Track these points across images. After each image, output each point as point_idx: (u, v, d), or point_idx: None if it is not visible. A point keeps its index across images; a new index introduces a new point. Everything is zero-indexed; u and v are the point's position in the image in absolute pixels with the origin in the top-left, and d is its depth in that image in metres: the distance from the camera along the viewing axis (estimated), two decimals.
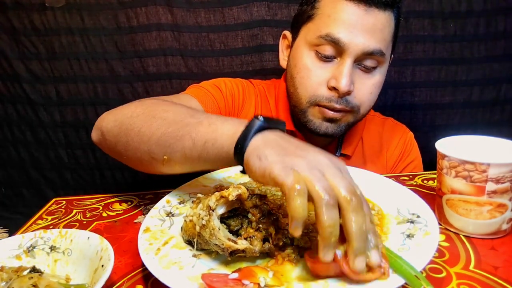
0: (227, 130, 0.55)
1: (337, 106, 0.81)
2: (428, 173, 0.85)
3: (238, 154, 0.51)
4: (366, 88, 0.82)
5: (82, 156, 1.27)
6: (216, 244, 0.49)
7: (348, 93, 0.80)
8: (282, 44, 0.94)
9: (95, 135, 0.74)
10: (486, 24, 1.17)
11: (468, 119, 1.23)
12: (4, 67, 1.19)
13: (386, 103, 1.22)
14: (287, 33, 0.92)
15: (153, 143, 0.62)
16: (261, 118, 0.52)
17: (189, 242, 0.54)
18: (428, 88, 1.21)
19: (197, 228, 0.50)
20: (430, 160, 0.90)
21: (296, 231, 0.43)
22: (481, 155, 0.62)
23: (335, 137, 0.95)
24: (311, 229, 0.55)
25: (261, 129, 0.51)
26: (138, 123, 0.65)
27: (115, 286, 0.52)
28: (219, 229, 0.49)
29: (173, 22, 1.15)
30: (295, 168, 0.44)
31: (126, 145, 0.66)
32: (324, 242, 0.43)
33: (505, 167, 0.54)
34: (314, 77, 0.82)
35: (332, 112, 0.83)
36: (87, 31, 1.16)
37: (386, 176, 0.72)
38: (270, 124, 0.53)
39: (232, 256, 0.50)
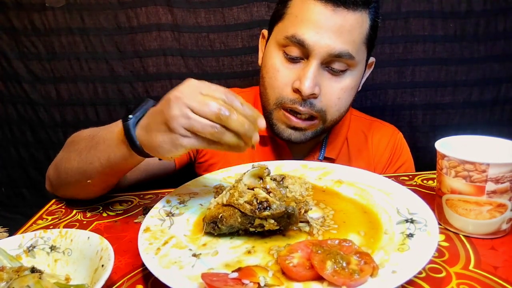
0: (117, 135, 0.62)
1: (301, 108, 0.79)
2: (428, 173, 0.85)
3: (136, 149, 0.59)
4: (333, 92, 0.79)
5: None
6: (245, 202, 0.54)
7: (314, 96, 0.78)
8: (261, 43, 0.92)
9: (46, 185, 0.81)
10: (486, 24, 1.16)
11: (468, 119, 1.23)
12: (4, 67, 1.19)
13: (386, 103, 1.22)
14: (265, 32, 0.90)
15: (75, 173, 0.70)
16: (130, 117, 0.59)
17: (213, 225, 0.57)
18: (428, 88, 1.21)
19: (224, 200, 0.56)
20: (430, 160, 0.90)
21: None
22: (481, 155, 0.62)
23: (320, 140, 0.92)
24: None
25: (135, 125, 0.59)
26: (63, 163, 0.73)
27: (115, 286, 0.52)
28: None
29: (173, 22, 1.15)
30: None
31: (65, 184, 0.74)
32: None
33: (504, 167, 0.54)
34: (280, 78, 0.80)
35: (296, 120, 0.81)
36: (87, 31, 1.16)
37: (386, 176, 0.72)
38: (139, 113, 0.61)
39: (260, 214, 0.53)
